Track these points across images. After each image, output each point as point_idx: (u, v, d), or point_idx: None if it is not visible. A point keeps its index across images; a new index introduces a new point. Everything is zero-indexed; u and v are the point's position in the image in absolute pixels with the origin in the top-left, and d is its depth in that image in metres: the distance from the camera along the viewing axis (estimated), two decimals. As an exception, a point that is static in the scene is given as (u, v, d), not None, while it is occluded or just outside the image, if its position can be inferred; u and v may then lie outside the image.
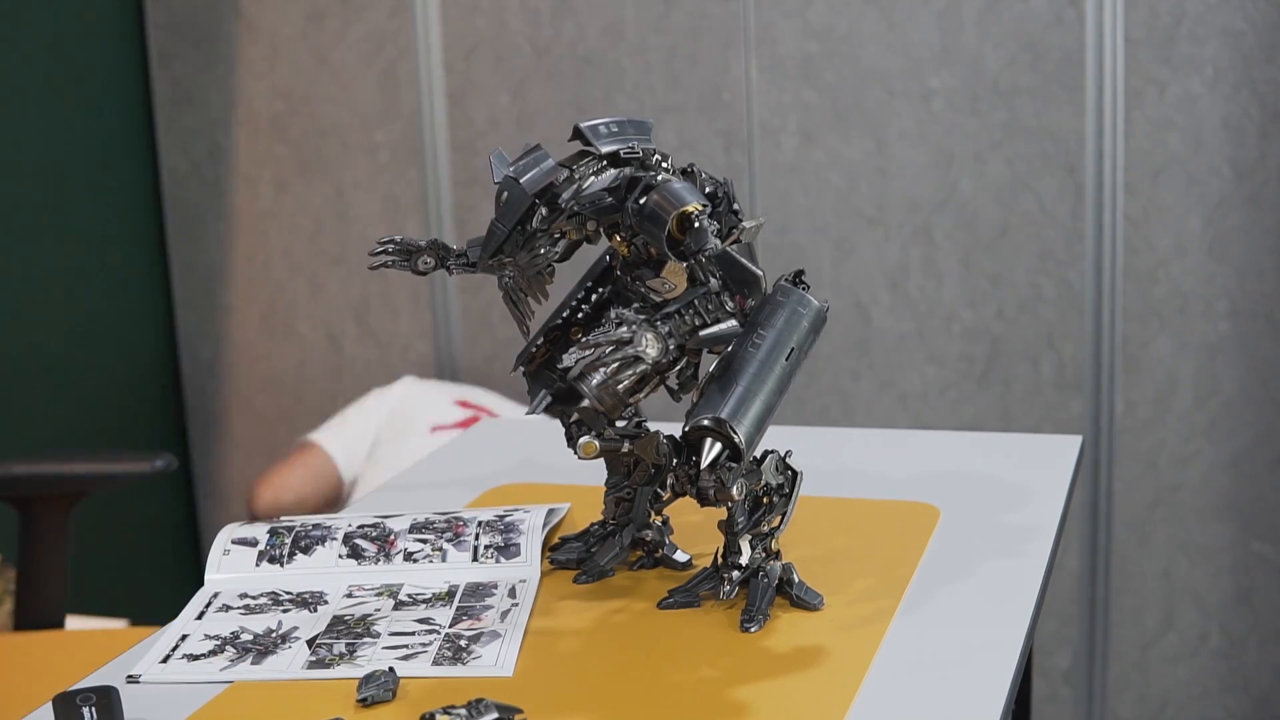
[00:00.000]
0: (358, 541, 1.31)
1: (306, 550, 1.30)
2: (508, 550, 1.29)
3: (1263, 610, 2.51)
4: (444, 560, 1.28)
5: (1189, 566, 2.54)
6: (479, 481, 1.56)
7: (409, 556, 1.29)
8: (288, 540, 1.31)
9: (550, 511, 1.36)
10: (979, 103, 2.47)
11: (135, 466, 1.98)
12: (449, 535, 1.31)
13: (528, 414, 1.32)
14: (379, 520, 1.35)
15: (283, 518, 1.42)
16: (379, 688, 1.06)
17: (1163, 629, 2.57)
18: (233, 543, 1.32)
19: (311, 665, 1.12)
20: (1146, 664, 2.59)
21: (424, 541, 1.30)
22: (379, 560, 1.29)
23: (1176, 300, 2.45)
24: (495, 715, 1.00)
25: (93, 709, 1.03)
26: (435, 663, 1.11)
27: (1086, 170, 2.43)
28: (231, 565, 1.29)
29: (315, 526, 1.33)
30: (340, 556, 1.29)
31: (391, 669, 1.08)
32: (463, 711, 1.00)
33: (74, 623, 2.98)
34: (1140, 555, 2.55)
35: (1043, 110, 2.44)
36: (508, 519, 1.33)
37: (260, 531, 1.33)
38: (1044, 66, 2.42)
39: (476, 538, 1.30)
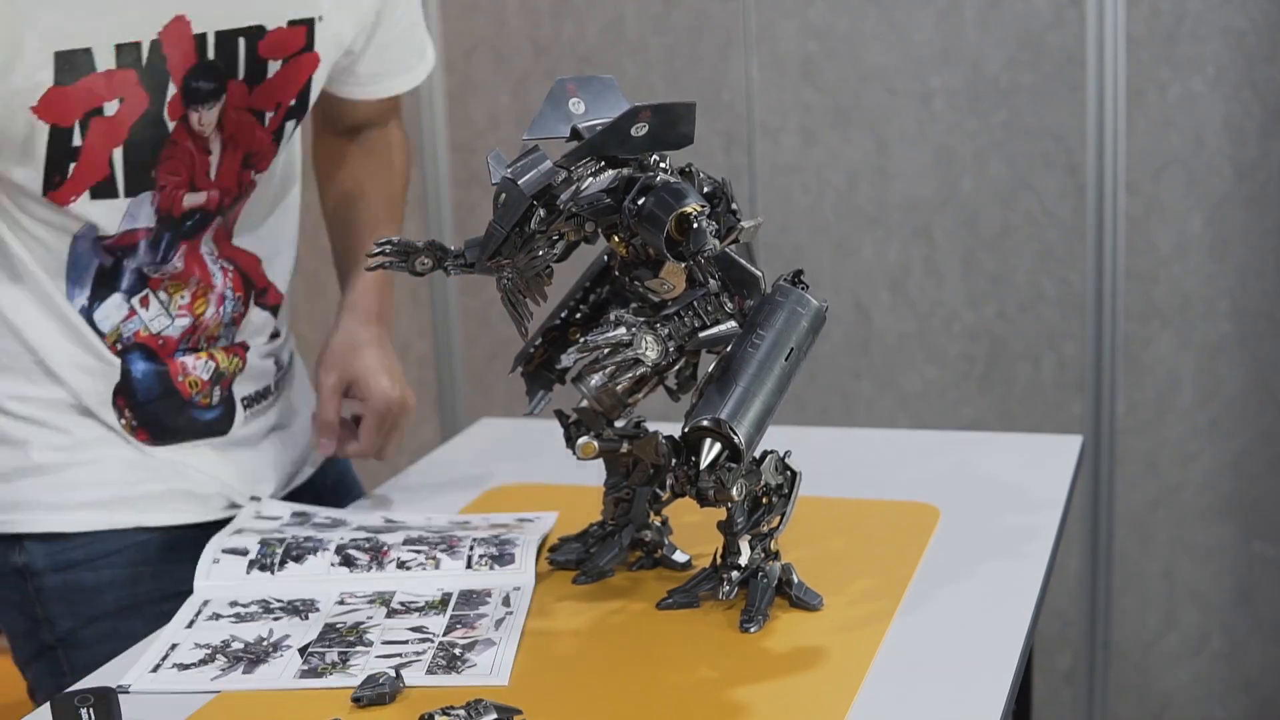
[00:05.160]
0: (350, 551, 1.30)
1: (298, 559, 1.29)
2: (502, 558, 1.28)
3: (1264, 610, 2.51)
4: (437, 568, 1.28)
5: (1190, 567, 2.53)
6: (477, 481, 1.56)
7: (402, 564, 1.28)
8: (279, 551, 1.31)
9: (545, 531, 1.36)
10: (979, 102, 2.46)
11: None
12: (443, 547, 1.30)
13: (526, 414, 1.32)
14: (371, 535, 1.34)
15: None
16: (378, 689, 1.06)
17: (1164, 629, 2.57)
18: (223, 552, 1.31)
19: (304, 674, 1.11)
20: (1147, 664, 2.59)
21: (418, 551, 1.30)
22: (371, 568, 1.28)
23: (1177, 300, 2.45)
24: (494, 716, 1.00)
25: (90, 710, 1.02)
26: (430, 671, 1.10)
27: (1087, 170, 2.43)
28: (221, 573, 1.29)
29: (307, 539, 1.33)
30: (332, 565, 1.29)
31: (393, 670, 1.08)
32: (461, 712, 1.00)
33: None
34: (1141, 555, 2.55)
35: (1043, 110, 2.43)
36: (504, 537, 1.33)
37: (251, 541, 1.33)
38: (1045, 66, 2.42)
39: (471, 548, 1.30)
